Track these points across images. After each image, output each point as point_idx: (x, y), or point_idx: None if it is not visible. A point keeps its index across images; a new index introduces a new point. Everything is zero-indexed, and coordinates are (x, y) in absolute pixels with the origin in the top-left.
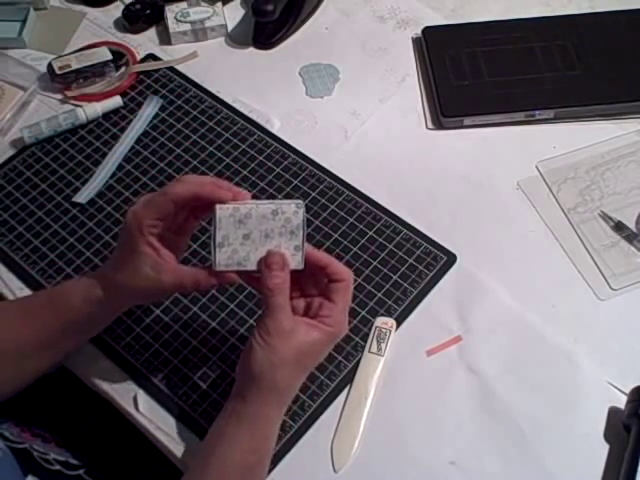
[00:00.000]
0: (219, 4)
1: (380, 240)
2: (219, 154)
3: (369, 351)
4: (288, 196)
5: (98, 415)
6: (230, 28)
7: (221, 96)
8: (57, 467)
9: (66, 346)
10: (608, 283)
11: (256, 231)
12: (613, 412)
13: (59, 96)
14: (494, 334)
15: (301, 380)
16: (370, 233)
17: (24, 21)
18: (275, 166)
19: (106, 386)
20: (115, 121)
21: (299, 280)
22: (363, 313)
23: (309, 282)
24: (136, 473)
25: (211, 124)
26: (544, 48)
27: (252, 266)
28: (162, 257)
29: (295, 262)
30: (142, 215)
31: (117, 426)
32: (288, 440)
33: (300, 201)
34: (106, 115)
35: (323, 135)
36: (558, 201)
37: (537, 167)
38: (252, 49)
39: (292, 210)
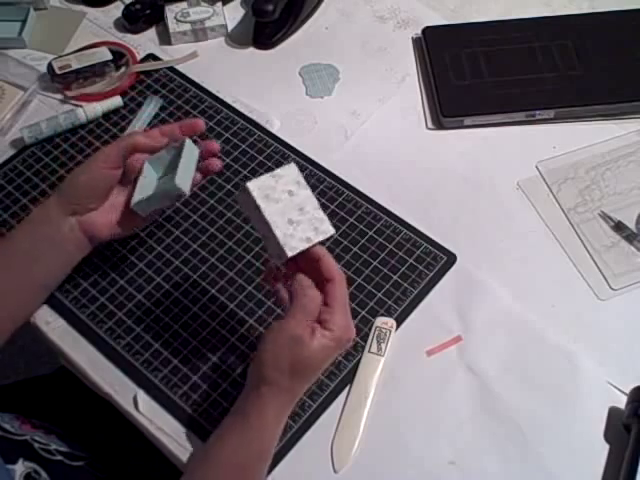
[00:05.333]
0: (219, 4)
1: (380, 240)
2: (219, 154)
3: (369, 351)
4: None
5: (98, 411)
6: (230, 28)
7: (221, 96)
8: (59, 457)
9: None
10: (608, 283)
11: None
12: (613, 412)
13: (59, 96)
14: (494, 334)
15: (307, 386)
16: (370, 233)
17: (24, 21)
18: (275, 166)
19: (106, 386)
20: (115, 121)
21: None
22: (363, 313)
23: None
24: (138, 466)
25: (211, 124)
26: (544, 48)
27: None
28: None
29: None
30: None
31: (117, 421)
32: (288, 440)
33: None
34: (106, 115)
35: (323, 135)
36: (558, 201)
37: (537, 167)
38: (252, 49)
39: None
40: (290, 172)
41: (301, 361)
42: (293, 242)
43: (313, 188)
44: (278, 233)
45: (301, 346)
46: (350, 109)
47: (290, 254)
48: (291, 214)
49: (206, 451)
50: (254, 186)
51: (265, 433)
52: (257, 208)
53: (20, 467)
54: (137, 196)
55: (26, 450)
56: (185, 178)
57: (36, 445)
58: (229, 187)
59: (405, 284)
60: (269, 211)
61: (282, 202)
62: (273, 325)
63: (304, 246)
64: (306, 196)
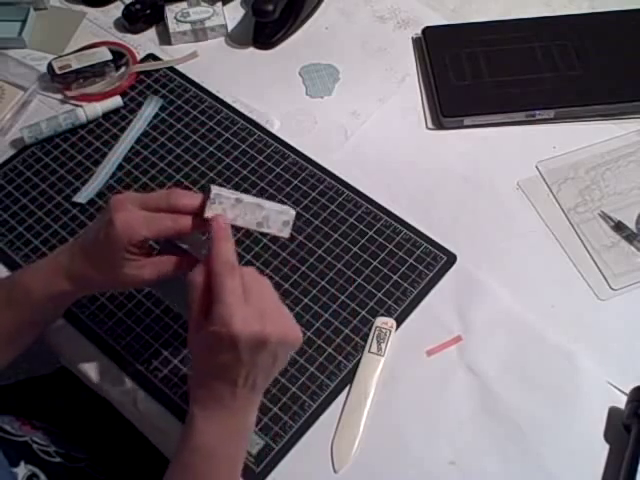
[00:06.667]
0: (219, 4)
1: (380, 240)
2: (219, 154)
3: (369, 351)
4: (288, 196)
5: (98, 411)
6: (230, 28)
7: (221, 96)
8: (58, 459)
9: (26, 339)
10: (608, 283)
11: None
12: (613, 412)
13: (59, 96)
14: (494, 334)
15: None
16: (370, 233)
17: (24, 21)
18: (275, 166)
19: (106, 386)
20: (115, 121)
21: None
22: (363, 313)
23: None
24: (136, 466)
25: (211, 124)
26: (544, 48)
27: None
28: (143, 256)
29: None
30: (137, 231)
31: (117, 421)
32: (288, 440)
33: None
34: (106, 115)
35: (323, 135)
36: (558, 201)
37: (537, 167)
38: (252, 49)
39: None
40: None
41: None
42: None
43: (313, 188)
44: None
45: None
46: (350, 109)
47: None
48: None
49: (179, 464)
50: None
51: (242, 437)
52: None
53: (22, 470)
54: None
55: (26, 452)
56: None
57: (35, 447)
58: (229, 187)
59: (405, 284)
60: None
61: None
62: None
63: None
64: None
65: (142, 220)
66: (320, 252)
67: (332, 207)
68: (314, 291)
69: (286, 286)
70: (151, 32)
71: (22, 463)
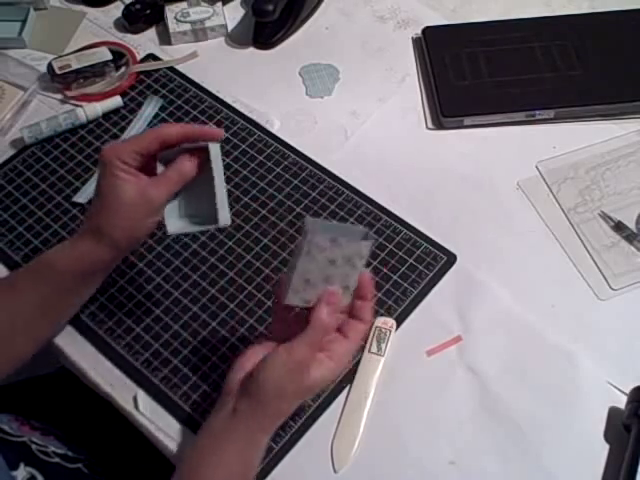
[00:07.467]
0: (219, 4)
1: (380, 240)
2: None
3: (369, 351)
4: (289, 196)
5: (98, 411)
6: (230, 28)
7: (221, 96)
8: (56, 460)
9: (58, 315)
10: (608, 283)
11: (323, 261)
12: (613, 412)
13: (59, 96)
14: (494, 334)
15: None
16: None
17: (24, 21)
18: (275, 166)
19: (106, 386)
20: (115, 121)
21: None
22: None
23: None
24: (136, 467)
25: (211, 124)
26: (544, 48)
27: (313, 301)
28: (142, 179)
29: (345, 299)
30: (120, 148)
31: (117, 421)
32: (288, 440)
33: (372, 239)
34: (106, 115)
35: (323, 135)
36: (558, 201)
37: (537, 167)
38: (252, 49)
39: (362, 246)
40: (354, 248)
41: (303, 388)
42: (294, 298)
43: (313, 188)
44: (294, 283)
45: (306, 375)
46: (350, 109)
47: (286, 303)
48: (313, 276)
49: (186, 470)
50: (317, 239)
51: (252, 457)
52: (299, 251)
53: (21, 472)
54: (171, 226)
55: (25, 453)
56: (224, 206)
57: (34, 447)
58: (229, 187)
59: (405, 284)
60: (301, 261)
61: (318, 263)
62: (278, 349)
63: (301, 304)
64: (344, 273)
65: (121, 140)
66: None
67: (332, 207)
68: None
69: None
70: (151, 32)
71: (21, 465)
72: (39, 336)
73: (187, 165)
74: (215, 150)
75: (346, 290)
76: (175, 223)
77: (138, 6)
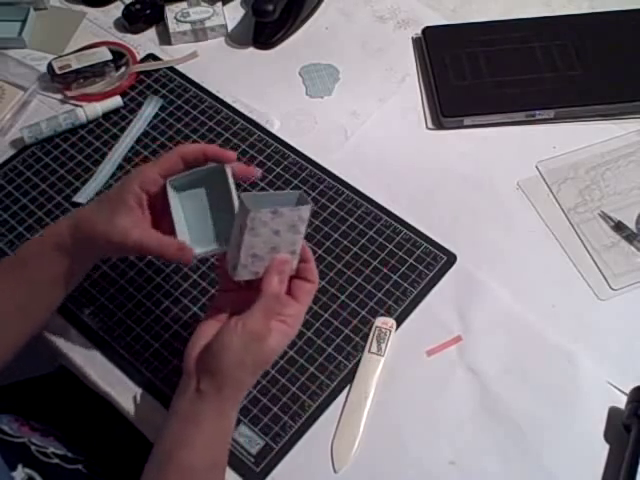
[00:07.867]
0: (219, 4)
1: (380, 240)
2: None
3: (369, 351)
4: None
5: (98, 411)
6: (230, 28)
7: (221, 96)
8: (56, 460)
9: (41, 307)
10: (608, 283)
11: (268, 234)
12: (613, 412)
13: (59, 96)
14: (494, 334)
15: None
16: (370, 233)
17: (24, 21)
18: (275, 166)
19: (106, 386)
20: (115, 121)
21: None
22: (363, 313)
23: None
24: (136, 467)
25: (211, 124)
26: (544, 48)
27: (262, 272)
28: (144, 215)
29: (294, 265)
30: (145, 168)
31: (117, 422)
32: (288, 440)
33: (310, 204)
34: (106, 115)
35: (323, 135)
36: (558, 201)
37: (537, 167)
38: (252, 49)
39: (302, 211)
40: (295, 215)
41: (263, 358)
42: (244, 272)
43: (313, 188)
44: (241, 259)
45: (264, 343)
46: (350, 109)
47: (236, 279)
48: (259, 249)
49: (158, 456)
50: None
51: (224, 432)
52: (242, 229)
53: (20, 473)
54: (199, 249)
55: (24, 454)
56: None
57: (33, 448)
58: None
59: (405, 284)
60: (247, 237)
61: (263, 237)
62: (231, 322)
63: (251, 277)
64: (289, 240)
65: (150, 162)
66: (320, 252)
67: (332, 207)
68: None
69: None
70: (151, 32)
71: (20, 467)
72: (35, 318)
73: (170, 248)
74: (229, 171)
75: (294, 255)
76: (204, 246)
77: (138, 6)
